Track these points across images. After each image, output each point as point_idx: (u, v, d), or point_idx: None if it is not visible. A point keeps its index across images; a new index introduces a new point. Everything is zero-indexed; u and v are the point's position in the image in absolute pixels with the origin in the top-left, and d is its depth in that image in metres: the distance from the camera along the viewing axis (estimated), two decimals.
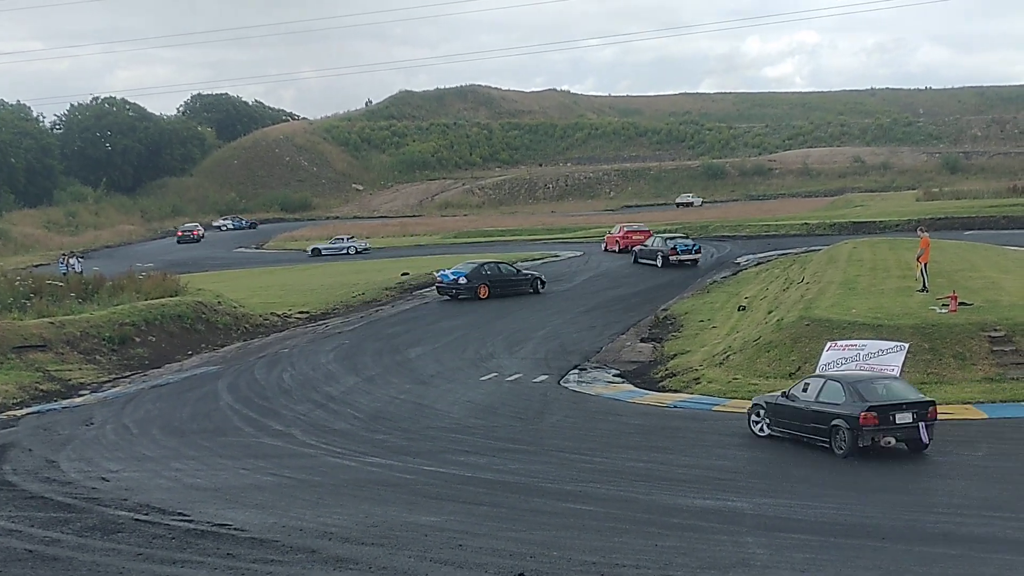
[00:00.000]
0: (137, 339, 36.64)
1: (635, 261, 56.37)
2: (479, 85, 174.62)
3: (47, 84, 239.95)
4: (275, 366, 32.94)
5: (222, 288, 47.82)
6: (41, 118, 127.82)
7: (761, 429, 22.08)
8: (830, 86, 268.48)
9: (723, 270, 52.03)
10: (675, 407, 25.31)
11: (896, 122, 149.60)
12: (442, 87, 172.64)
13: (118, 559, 14.01)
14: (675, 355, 31.86)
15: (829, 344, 26.50)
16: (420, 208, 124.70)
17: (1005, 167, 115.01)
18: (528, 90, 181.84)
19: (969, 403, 23.20)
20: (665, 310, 40.25)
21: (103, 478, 19.79)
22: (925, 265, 31.12)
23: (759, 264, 52.56)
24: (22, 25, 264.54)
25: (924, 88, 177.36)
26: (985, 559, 13.10)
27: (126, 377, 33.02)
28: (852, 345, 26.08)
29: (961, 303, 27.69)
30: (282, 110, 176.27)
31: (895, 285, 33.05)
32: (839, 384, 21.09)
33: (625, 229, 63.47)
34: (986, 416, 22.27)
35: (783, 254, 54.91)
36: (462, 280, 45.98)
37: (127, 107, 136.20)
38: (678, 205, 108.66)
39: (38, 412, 27.96)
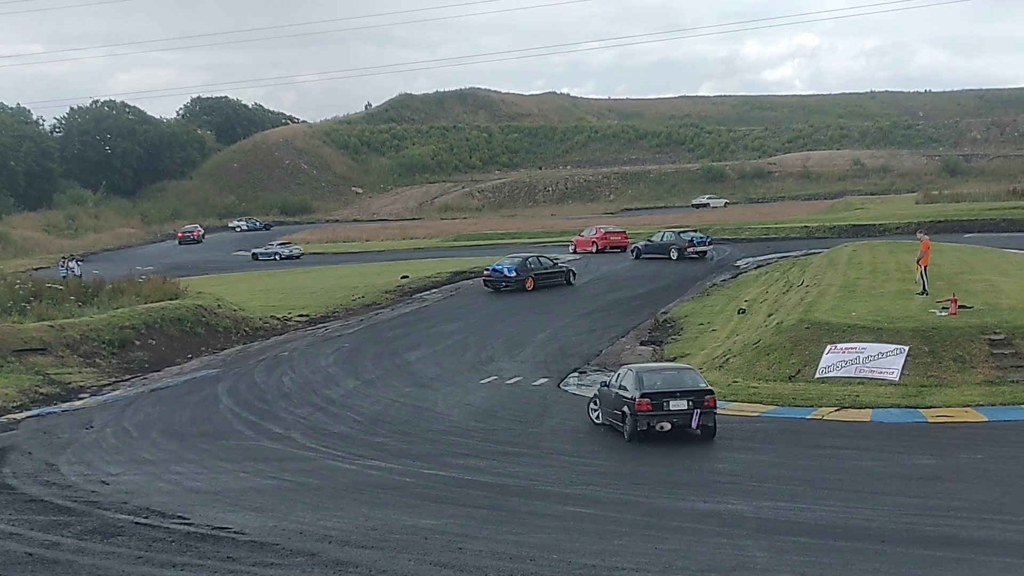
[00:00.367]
0: (137, 342, 36.64)
1: (637, 257, 58.00)
2: (479, 88, 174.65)
3: (47, 87, 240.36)
4: (275, 369, 32.94)
5: (222, 291, 47.83)
6: (41, 121, 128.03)
7: (597, 417, 23.77)
8: (830, 89, 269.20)
9: (723, 273, 52.03)
10: None
11: (896, 125, 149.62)
12: (442, 90, 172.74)
13: (118, 562, 14.01)
14: (675, 358, 31.84)
15: (829, 347, 26.55)
16: (420, 211, 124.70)
17: (1005, 170, 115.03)
18: (528, 93, 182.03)
19: (969, 406, 23.18)
20: (665, 313, 40.25)
21: (103, 481, 19.79)
22: (925, 268, 31.12)
23: (759, 267, 52.54)
24: (23, 28, 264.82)
25: (924, 91, 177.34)
26: (985, 562, 13.10)
27: (126, 380, 33.03)
28: (852, 348, 26.14)
29: (961, 306, 27.69)
30: (282, 113, 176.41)
31: (895, 288, 33.05)
32: (632, 372, 22.86)
33: (603, 230, 66.04)
34: (986, 419, 22.25)
35: (783, 257, 54.92)
36: (511, 273, 48.09)
37: (127, 110, 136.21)
38: (695, 206, 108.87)
39: (38, 415, 27.97)
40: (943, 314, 27.46)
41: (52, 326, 35.56)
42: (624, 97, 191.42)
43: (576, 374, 30.62)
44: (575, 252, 64.08)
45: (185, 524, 16.01)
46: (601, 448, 21.60)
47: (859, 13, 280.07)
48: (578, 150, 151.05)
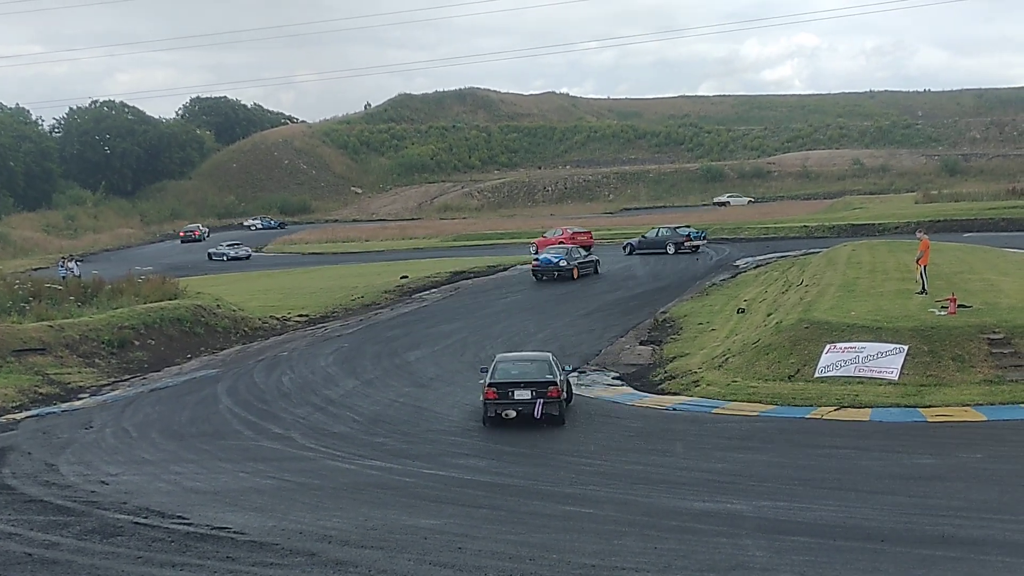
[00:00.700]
0: (136, 342, 36.64)
1: (630, 253, 61.03)
2: (478, 88, 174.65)
3: (46, 87, 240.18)
4: (274, 369, 32.94)
5: (221, 291, 47.83)
6: (40, 121, 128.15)
7: None
8: (829, 88, 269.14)
9: (722, 272, 52.05)
10: (674, 410, 25.31)
11: (895, 124, 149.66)
12: (441, 90, 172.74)
13: (117, 562, 14.01)
14: (674, 358, 31.85)
15: (828, 346, 26.55)
16: (419, 211, 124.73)
17: (1004, 169, 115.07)
18: (527, 93, 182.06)
19: (968, 405, 23.17)
20: (664, 313, 40.25)
21: (102, 481, 19.78)
22: (924, 267, 31.12)
23: (758, 267, 52.57)
24: (22, 28, 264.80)
25: (923, 90, 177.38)
26: (984, 561, 13.11)
27: (125, 380, 33.03)
28: (851, 347, 26.13)
29: (960, 305, 27.69)
30: (281, 113, 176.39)
31: (894, 287, 33.05)
32: (492, 363, 25.20)
33: (570, 231, 68.70)
34: (985, 418, 22.24)
35: (782, 256, 54.96)
36: (563, 263, 52.04)
37: (126, 110, 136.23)
38: (716, 204, 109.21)
39: (37, 415, 27.96)
40: (942, 313, 27.46)
41: (51, 326, 35.55)
42: (623, 97, 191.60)
43: (576, 373, 30.57)
44: (537, 252, 63.94)
45: (184, 524, 16.01)
46: (600, 448, 21.60)
47: (858, 13, 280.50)
48: (577, 150, 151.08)
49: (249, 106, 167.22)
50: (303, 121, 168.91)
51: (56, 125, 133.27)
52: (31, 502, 18.13)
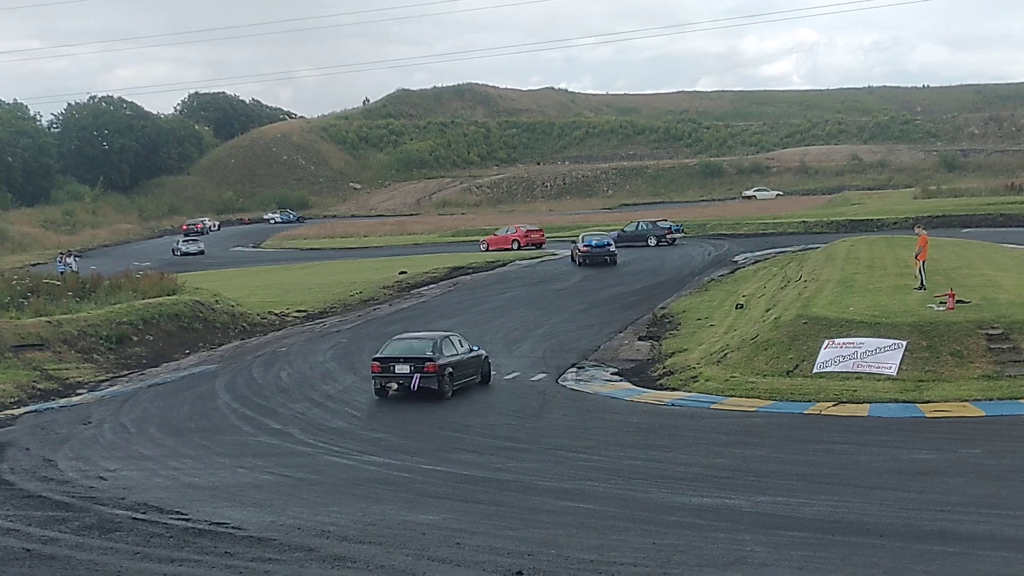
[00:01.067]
0: (135, 338, 36.62)
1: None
2: (476, 84, 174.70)
3: (44, 83, 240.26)
4: (273, 365, 32.93)
5: (219, 287, 47.82)
6: (38, 117, 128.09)
7: None
8: (828, 84, 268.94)
9: (721, 268, 52.09)
10: (673, 405, 25.32)
11: (894, 120, 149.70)
12: (439, 86, 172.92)
13: (116, 558, 13.99)
14: (673, 353, 31.86)
15: (827, 342, 26.55)
16: (418, 207, 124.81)
17: (1002, 165, 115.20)
18: (525, 89, 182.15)
19: (967, 401, 23.19)
20: (663, 308, 40.27)
21: (101, 477, 19.76)
22: (923, 263, 31.12)
23: (757, 262, 52.62)
24: (20, 24, 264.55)
25: (922, 86, 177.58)
26: (982, 556, 13.10)
27: (124, 376, 33.00)
28: (850, 343, 26.14)
29: (959, 301, 27.70)
30: (279, 109, 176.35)
31: (893, 283, 33.05)
32: (388, 342, 28.14)
33: (524, 229, 70.95)
34: (984, 414, 22.25)
35: (781, 252, 54.98)
36: (612, 247, 55.81)
37: (124, 106, 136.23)
38: (744, 198, 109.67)
39: (36, 411, 27.93)
40: (941, 309, 27.46)
41: (50, 322, 35.52)
42: (622, 92, 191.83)
43: (574, 369, 30.61)
44: (488, 250, 68.07)
45: (183, 519, 15.99)
46: (599, 443, 21.59)
47: (857, 8, 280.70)
48: (576, 145, 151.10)
49: (247, 102, 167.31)
50: (301, 117, 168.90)
51: (54, 121, 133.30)
52: (29, 497, 18.11)
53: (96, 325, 36.22)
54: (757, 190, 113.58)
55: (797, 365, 26.45)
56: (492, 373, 29.14)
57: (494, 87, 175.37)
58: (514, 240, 68.80)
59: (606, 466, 19.38)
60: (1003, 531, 14.25)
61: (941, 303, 27.86)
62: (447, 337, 28.13)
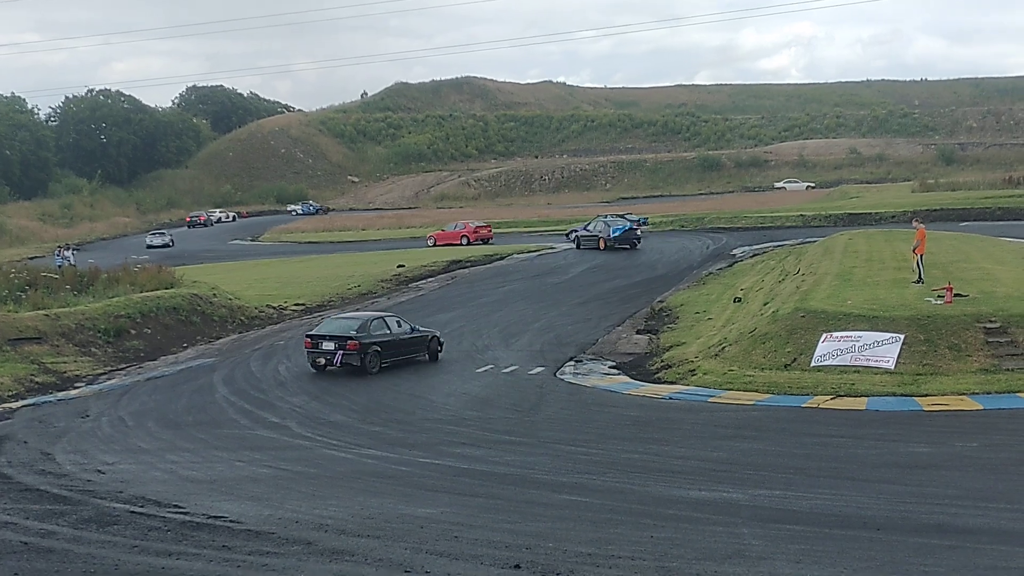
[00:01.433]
0: (132, 331, 36.58)
1: (578, 245, 62.52)
2: (475, 77, 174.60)
3: (42, 76, 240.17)
4: (271, 358, 32.92)
5: (218, 280, 47.77)
6: (36, 110, 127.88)
7: None
8: (826, 78, 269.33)
9: (719, 262, 52.10)
10: (671, 399, 25.32)
11: (892, 114, 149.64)
12: (438, 79, 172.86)
13: (114, 551, 13.99)
14: (671, 347, 31.86)
15: (824, 335, 26.56)
16: (416, 200, 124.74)
17: (1000, 158, 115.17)
18: (524, 82, 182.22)
19: (964, 394, 23.20)
20: (661, 302, 40.27)
21: (98, 470, 19.75)
22: (921, 256, 31.12)
23: (755, 256, 52.62)
24: (18, 17, 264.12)
25: (920, 80, 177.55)
26: (980, 550, 13.11)
27: (121, 369, 32.99)
28: (847, 336, 26.15)
29: (956, 294, 27.71)
30: (277, 102, 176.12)
31: (890, 276, 33.06)
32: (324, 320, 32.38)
33: (473, 225, 72.38)
34: (981, 407, 22.26)
35: (779, 246, 55.01)
36: (639, 230, 60.62)
37: (122, 99, 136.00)
38: (776, 188, 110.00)
39: (34, 404, 27.91)
40: (939, 302, 27.47)
41: (48, 315, 35.48)
42: (620, 86, 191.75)
43: (572, 363, 30.61)
44: (435, 245, 69.69)
45: (181, 513, 15.99)
46: (597, 437, 21.60)
47: (855, 2, 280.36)
48: (574, 139, 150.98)
49: (245, 95, 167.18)
50: (300, 110, 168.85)
51: (52, 114, 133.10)
52: (27, 491, 18.10)
53: (94, 318, 36.19)
54: (787, 181, 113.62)
55: (795, 359, 26.46)
56: (439, 352, 31.87)
57: (492, 80, 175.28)
58: (463, 236, 70.16)
59: (604, 459, 19.38)
60: (1000, 524, 14.27)
61: (939, 297, 27.87)
62: (380, 318, 31.31)
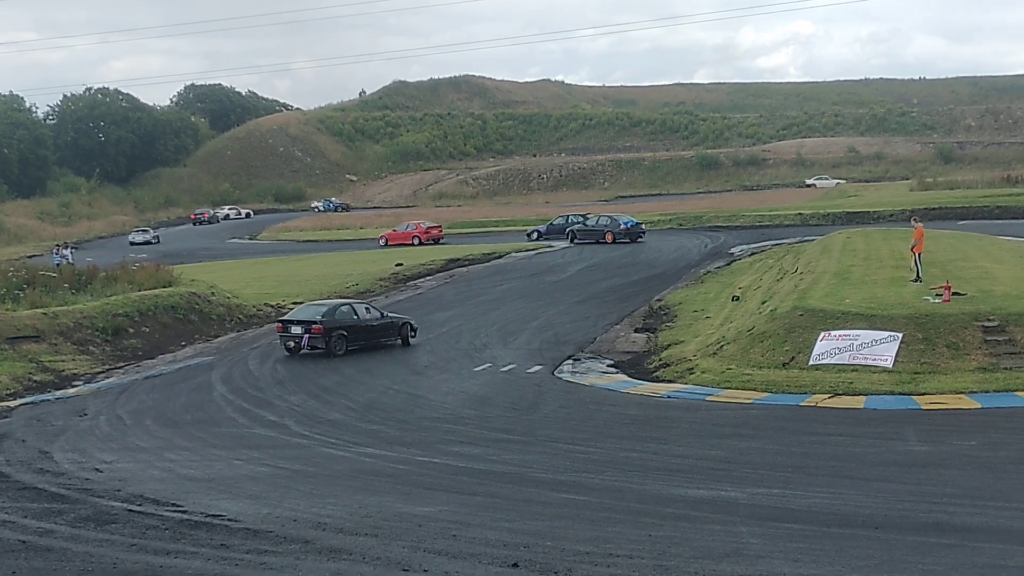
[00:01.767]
0: (130, 330, 36.57)
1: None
2: (473, 75, 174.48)
3: (40, 74, 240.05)
4: (269, 357, 32.91)
5: (215, 279, 47.73)
6: (34, 108, 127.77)
7: None
8: (824, 76, 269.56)
9: (717, 260, 52.10)
10: (669, 397, 25.32)
11: (890, 112, 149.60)
12: (436, 77, 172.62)
13: (112, 550, 13.99)
14: (669, 345, 31.86)
15: (823, 334, 26.55)
16: (414, 199, 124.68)
17: (999, 157, 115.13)
18: (522, 80, 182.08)
19: (962, 393, 23.20)
20: (659, 300, 40.27)
21: (96, 469, 19.75)
22: (919, 255, 31.12)
23: (753, 254, 52.62)
24: (16, 15, 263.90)
25: (918, 78, 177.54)
26: (978, 548, 13.12)
27: (119, 368, 32.98)
28: (846, 335, 26.14)
29: (955, 293, 27.70)
30: (276, 100, 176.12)
31: (889, 275, 33.06)
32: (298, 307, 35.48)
33: (424, 225, 74.17)
34: (979, 406, 22.27)
35: (777, 244, 54.99)
36: (642, 226, 64.77)
37: (120, 97, 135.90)
38: (807, 185, 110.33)
39: (31, 403, 27.91)
40: (937, 301, 27.47)
41: (46, 313, 35.47)
42: (618, 84, 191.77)
43: (570, 361, 30.60)
44: (387, 245, 71.30)
45: (179, 512, 15.99)
46: (595, 435, 21.60)
47: (854, 0, 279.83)
48: (572, 137, 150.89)
49: (244, 93, 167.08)
50: (298, 108, 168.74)
51: (50, 112, 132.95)
52: (25, 489, 18.10)
53: (92, 317, 36.16)
54: (817, 178, 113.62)
55: (793, 357, 26.46)
56: (411, 337, 34.38)
57: (491, 79, 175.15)
58: (414, 236, 71.93)
59: (602, 458, 19.39)
60: (998, 523, 14.27)
61: (937, 295, 27.87)
62: (349, 304, 34.44)
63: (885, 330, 25.87)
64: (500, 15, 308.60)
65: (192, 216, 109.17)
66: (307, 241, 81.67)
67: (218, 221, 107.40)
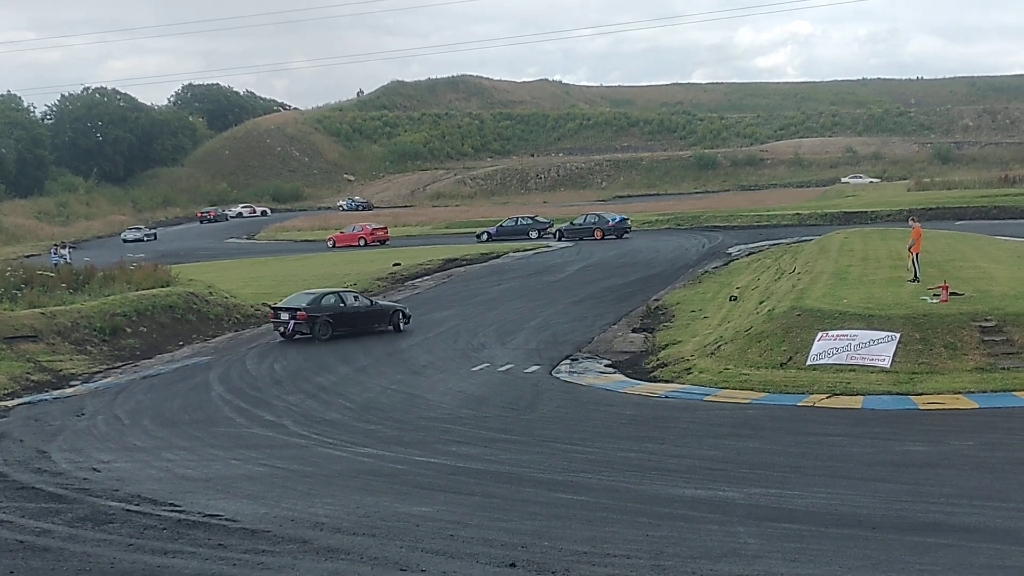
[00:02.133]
0: (128, 329, 36.56)
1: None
2: (471, 75, 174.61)
3: (38, 74, 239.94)
4: (266, 356, 32.90)
5: (213, 278, 47.74)
6: (32, 108, 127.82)
7: None
8: (822, 76, 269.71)
9: (714, 260, 52.12)
10: (666, 397, 25.31)
11: (888, 112, 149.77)
12: (434, 77, 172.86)
13: (109, 549, 13.98)
14: (666, 345, 31.86)
15: (820, 334, 26.56)
16: (412, 198, 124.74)
17: (996, 157, 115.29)
18: (520, 80, 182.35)
19: (960, 393, 23.19)
20: (657, 300, 40.27)
21: (94, 468, 19.73)
22: (916, 255, 31.14)
23: (750, 254, 52.66)
24: (13, 15, 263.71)
25: (916, 78, 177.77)
26: (976, 548, 13.12)
27: (117, 368, 32.97)
28: (843, 335, 26.15)
29: (952, 293, 27.71)
30: (273, 100, 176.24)
31: (886, 275, 33.08)
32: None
33: (370, 227, 75.85)
34: (977, 406, 22.26)
35: (774, 244, 55.02)
36: (628, 222, 68.37)
37: (118, 97, 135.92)
38: (842, 183, 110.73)
39: (29, 403, 27.90)
40: (934, 301, 27.48)
41: (43, 313, 35.46)
42: (616, 84, 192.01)
43: (568, 361, 30.59)
44: (335, 246, 72.91)
45: (176, 511, 15.98)
46: (593, 435, 21.59)
47: (852, 0, 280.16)
48: (570, 137, 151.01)
49: (241, 93, 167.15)
50: (295, 108, 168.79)
51: (48, 112, 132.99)
52: (22, 489, 18.08)
53: (90, 317, 36.16)
54: (853, 176, 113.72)
55: (791, 357, 26.46)
56: (403, 324, 36.53)
57: (488, 79, 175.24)
58: (360, 238, 73.93)
59: (599, 458, 19.38)
60: (996, 523, 14.28)
61: (935, 295, 27.88)
62: (336, 293, 36.97)
63: (883, 330, 25.88)
64: (498, 15, 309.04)
65: (199, 214, 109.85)
66: (305, 241, 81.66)
67: (226, 219, 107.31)
